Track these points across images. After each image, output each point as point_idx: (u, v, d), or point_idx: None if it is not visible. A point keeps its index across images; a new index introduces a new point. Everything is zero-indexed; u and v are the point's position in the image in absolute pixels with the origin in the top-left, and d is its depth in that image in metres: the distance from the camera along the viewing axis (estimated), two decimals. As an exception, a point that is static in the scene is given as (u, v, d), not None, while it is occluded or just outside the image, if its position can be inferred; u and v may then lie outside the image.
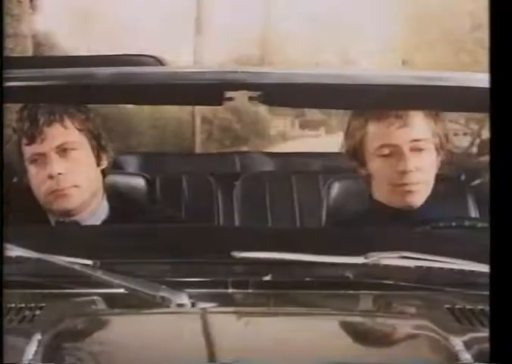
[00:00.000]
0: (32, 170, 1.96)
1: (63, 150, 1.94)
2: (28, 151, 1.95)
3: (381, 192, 1.96)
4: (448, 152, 1.96)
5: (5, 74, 1.29)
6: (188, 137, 10.46)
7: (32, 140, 1.93)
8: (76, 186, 1.95)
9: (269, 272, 1.42)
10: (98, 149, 2.01)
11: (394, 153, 1.89)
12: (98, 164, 2.02)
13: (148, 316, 1.32)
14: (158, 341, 1.17)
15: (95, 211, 2.01)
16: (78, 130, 1.96)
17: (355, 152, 1.96)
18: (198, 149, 9.91)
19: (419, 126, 1.90)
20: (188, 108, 9.91)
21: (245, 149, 10.19)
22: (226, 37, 13.21)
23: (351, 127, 1.97)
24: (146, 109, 9.89)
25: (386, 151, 1.90)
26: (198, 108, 9.85)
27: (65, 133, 1.95)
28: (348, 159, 2.00)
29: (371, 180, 1.97)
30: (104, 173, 2.04)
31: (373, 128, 1.91)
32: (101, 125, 2.00)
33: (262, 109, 12.14)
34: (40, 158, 1.94)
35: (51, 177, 1.92)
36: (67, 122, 1.95)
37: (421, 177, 1.90)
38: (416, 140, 1.89)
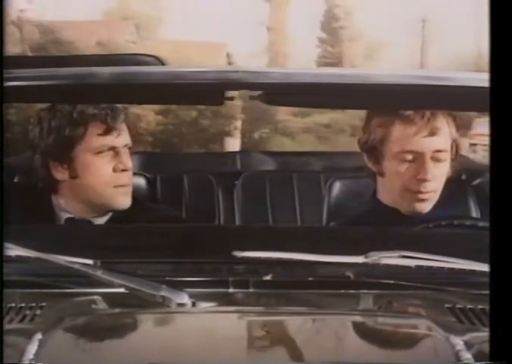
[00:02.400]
0: (96, 162, 1.96)
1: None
2: (98, 142, 1.96)
3: (389, 194, 1.96)
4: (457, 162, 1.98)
5: (5, 74, 1.29)
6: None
7: (107, 132, 1.95)
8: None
9: (269, 272, 1.42)
10: None
11: (416, 160, 1.90)
12: None
13: (148, 315, 1.32)
14: (158, 340, 1.17)
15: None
16: None
17: (372, 148, 1.96)
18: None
19: (443, 136, 1.91)
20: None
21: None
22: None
23: (373, 123, 1.96)
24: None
25: (409, 157, 1.90)
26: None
27: None
28: (361, 152, 2.00)
29: (379, 179, 1.97)
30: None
31: (398, 130, 1.91)
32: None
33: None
34: (108, 152, 1.96)
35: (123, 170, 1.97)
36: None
37: (435, 186, 1.92)
38: (439, 151, 1.91)
